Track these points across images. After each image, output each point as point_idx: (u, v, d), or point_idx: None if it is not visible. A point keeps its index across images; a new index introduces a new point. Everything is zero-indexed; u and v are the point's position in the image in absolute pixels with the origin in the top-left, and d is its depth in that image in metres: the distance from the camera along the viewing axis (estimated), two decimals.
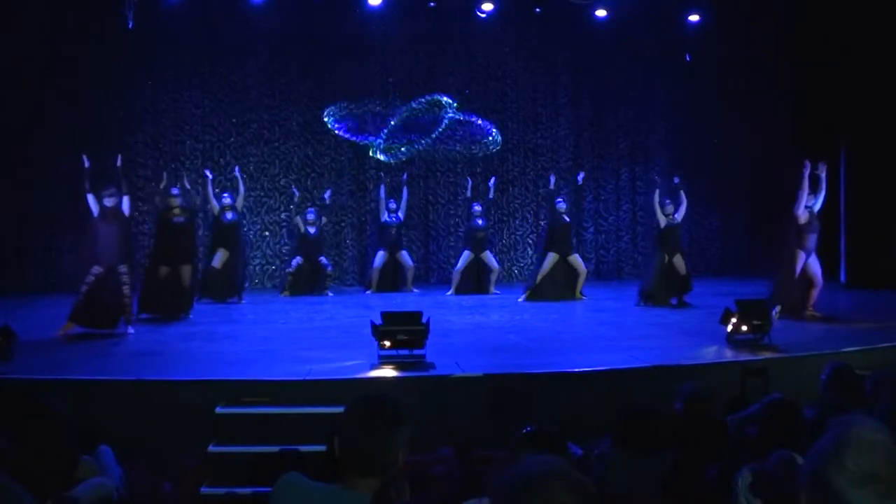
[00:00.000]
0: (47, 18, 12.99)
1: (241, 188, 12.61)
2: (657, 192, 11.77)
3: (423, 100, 14.46)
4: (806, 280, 10.04)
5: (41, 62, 13.03)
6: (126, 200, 9.44)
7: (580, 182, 13.05)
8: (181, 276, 10.51)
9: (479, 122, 14.67)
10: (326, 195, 13.55)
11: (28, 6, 12.82)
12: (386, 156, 14.37)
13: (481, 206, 13.16)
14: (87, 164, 9.55)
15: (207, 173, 12.06)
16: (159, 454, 5.62)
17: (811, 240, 10.00)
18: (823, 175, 10.08)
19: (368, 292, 13.15)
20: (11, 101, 12.92)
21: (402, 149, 14.40)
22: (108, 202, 9.19)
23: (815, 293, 10.08)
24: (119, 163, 9.97)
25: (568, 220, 12.40)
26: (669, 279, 11.45)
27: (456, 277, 13.09)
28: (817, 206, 10.10)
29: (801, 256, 9.98)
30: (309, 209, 13.30)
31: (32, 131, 13.15)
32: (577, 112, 15.44)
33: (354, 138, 14.35)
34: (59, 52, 13.12)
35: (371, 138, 14.33)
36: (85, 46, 13.24)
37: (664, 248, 11.52)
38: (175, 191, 11.03)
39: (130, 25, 12.53)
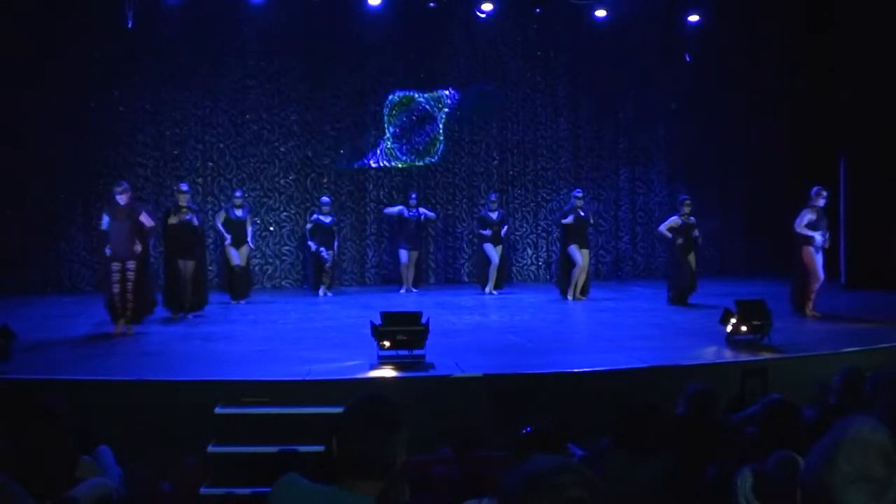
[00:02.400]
0: (47, 18, 12.98)
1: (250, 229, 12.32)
2: (674, 218, 11.80)
3: (400, 95, 14.54)
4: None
5: (41, 62, 13.02)
6: (145, 216, 9.49)
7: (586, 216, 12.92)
8: (185, 272, 10.53)
9: (454, 91, 14.69)
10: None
11: (28, 6, 12.81)
12: (425, 159, 14.55)
13: (496, 196, 13.44)
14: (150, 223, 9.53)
15: (183, 186, 11.08)
16: (159, 454, 5.62)
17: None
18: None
19: (402, 291, 13.21)
20: (11, 100, 12.91)
21: (438, 147, 14.57)
22: (121, 199, 9.21)
23: (816, 288, 10.11)
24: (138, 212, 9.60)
25: (584, 214, 12.39)
26: None
27: (493, 273, 13.00)
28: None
29: (812, 252, 10.06)
30: (323, 196, 13.37)
31: (32, 131, 13.14)
32: (577, 112, 15.44)
33: (368, 163, 14.49)
34: (59, 52, 13.11)
35: (378, 154, 14.45)
36: (85, 46, 13.24)
37: (682, 248, 11.55)
38: (185, 186, 11.01)
39: (130, 25, 12.53)
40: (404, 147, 14.67)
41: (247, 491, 5.35)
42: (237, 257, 12.03)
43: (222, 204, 13.11)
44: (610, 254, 15.57)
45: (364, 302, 11.91)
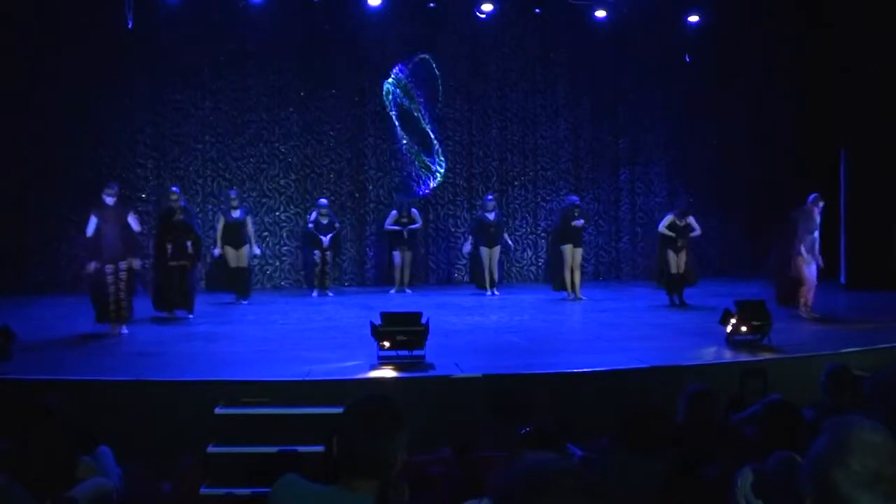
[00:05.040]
0: (47, 18, 12.98)
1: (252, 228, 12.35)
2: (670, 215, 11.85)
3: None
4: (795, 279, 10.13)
5: (41, 62, 13.02)
6: (132, 218, 9.46)
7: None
8: (180, 273, 10.53)
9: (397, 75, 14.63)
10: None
11: (28, 6, 12.81)
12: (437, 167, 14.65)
13: (493, 197, 13.53)
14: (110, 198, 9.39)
15: (174, 189, 11.34)
16: (159, 454, 5.62)
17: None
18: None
19: (393, 291, 13.23)
20: (11, 100, 12.91)
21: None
22: (110, 200, 9.21)
23: (810, 294, 10.05)
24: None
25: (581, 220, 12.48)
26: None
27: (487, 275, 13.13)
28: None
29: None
30: (321, 198, 13.42)
31: (32, 131, 13.14)
32: (577, 112, 15.43)
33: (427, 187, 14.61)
34: (59, 52, 13.11)
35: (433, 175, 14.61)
36: (85, 46, 13.23)
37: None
38: (175, 189, 11.13)
39: (130, 25, 12.52)
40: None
41: (247, 491, 5.34)
42: (234, 259, 12.03)
43: (222, 205, 13.08)
44: (610, 254, 15.56)
45: (364, 302, 11.92)
